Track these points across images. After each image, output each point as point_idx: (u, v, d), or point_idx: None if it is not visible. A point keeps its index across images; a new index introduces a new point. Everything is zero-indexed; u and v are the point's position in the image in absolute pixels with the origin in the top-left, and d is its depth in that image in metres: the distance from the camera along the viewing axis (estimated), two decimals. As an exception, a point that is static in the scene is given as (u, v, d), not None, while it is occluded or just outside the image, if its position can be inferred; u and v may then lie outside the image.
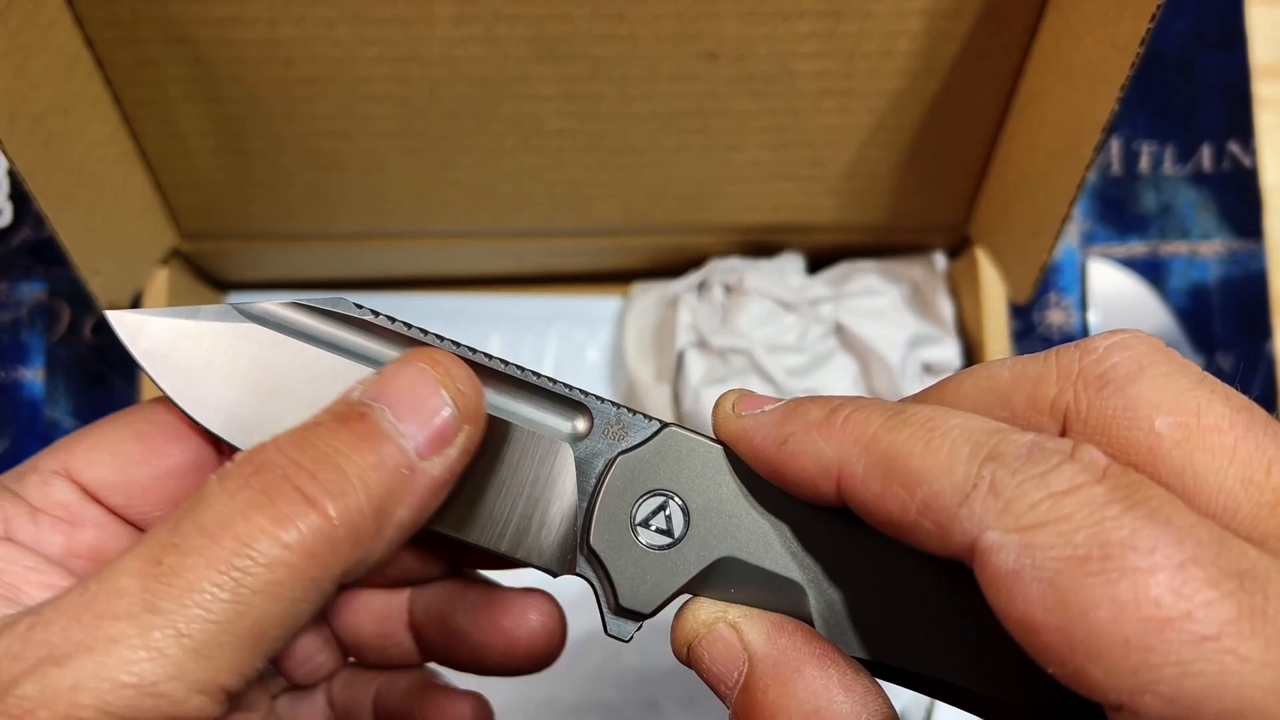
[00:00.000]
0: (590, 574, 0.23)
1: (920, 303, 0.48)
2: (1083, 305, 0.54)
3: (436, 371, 0.21)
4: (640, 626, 0.23)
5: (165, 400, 0.24)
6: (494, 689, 0.47)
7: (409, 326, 0.23)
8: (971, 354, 0.47)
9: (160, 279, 0.46)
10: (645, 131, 0.42)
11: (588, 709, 0.47)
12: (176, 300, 0.46)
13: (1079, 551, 0.16)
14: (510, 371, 0.23)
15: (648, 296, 0.50)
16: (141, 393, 0.45)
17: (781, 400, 0.22)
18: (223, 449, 0.25)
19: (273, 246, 0.47)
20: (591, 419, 0.23)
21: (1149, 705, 0.16)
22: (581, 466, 0.23)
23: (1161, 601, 0.16)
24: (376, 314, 0.23)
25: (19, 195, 0.54)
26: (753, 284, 0.47)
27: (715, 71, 0.39)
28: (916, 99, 0.41)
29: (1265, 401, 0.53)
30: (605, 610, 0.22)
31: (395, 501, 0.20)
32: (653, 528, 0.22)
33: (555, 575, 0.23)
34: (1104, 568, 0.16)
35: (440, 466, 0.21)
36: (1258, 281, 0.54)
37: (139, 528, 0.24)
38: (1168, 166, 0.55)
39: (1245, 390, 0.57)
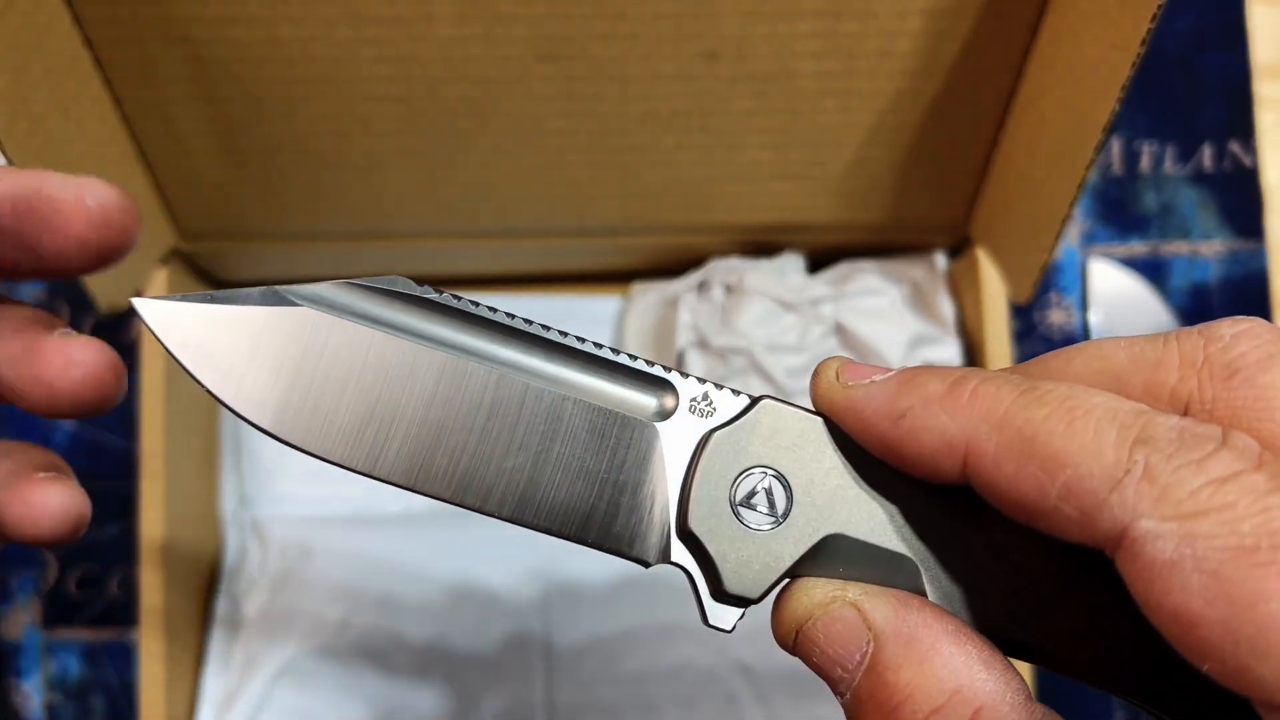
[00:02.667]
0: (688, 560, 0.21)
1: (921, 303, 0.48)
2: (1083, 305, 0.54)
3: None
4: (743, 615, 0.21)
5: None
6: (493, 689, 0.47)
7: (475, 304, 0.22)
8: (972, 354, 0.47)
9: (159, 279, 0.46)
10: (645, 131, 0.42)
11: (587, 709, 0.47)
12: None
13: (1246, 541, 0.16)
14: (588, 349, 0.22)
15: (648, 296, 0.50)
16: (142, 393, 0.45)
17: (891, 370, 0.21)
18: None
19: (272, 246, 0.47)
20: (677, 396, 0.22)
21: None
22: (671, 446, 0.21)
23: None
24: (440, 291, 0.22)
25: (18, 195, 0.54)
26: (753, 284, 0.47)
27: (715, 71, 0.39)
28: (917, 99, 0.41)
29: (1266, 401, 0.53)
30: (705, 598, 0.21)
31: None
32: (754, 507, 0.21)
33: (648, 565, 0.21)
34: (1275, 558, 0.15)
35: None
36: (1258, 281, 0.54)
37: None
38: (1168, 166, 0.55)
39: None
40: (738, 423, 0.21)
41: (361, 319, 0.22)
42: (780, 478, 0.21)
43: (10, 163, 0.35)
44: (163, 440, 0.45)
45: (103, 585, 0.52)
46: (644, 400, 0.22)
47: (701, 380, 0.22)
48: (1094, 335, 0.53)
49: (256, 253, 0.48)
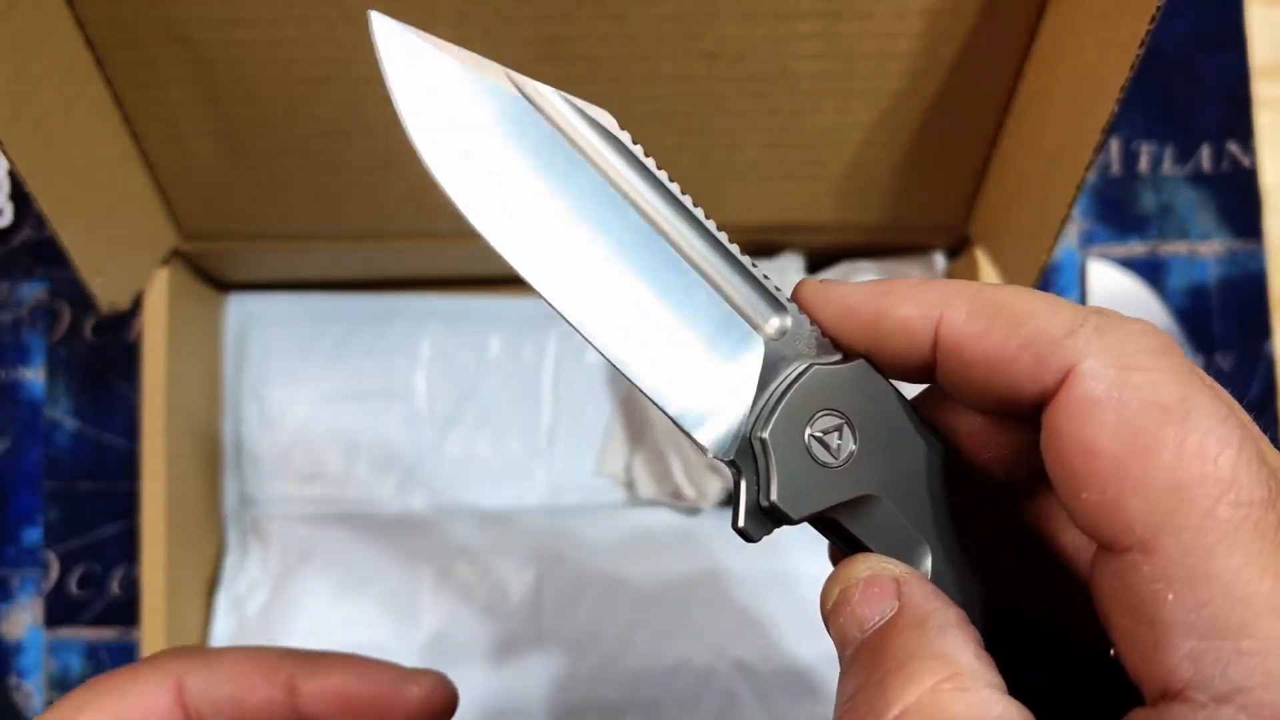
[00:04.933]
0: (748, 463, 0.22)
1: (920, 303, 0.48)
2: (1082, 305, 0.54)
3: None
4: (771, 531, 0.22)
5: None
6: (493, 689, 0.47)
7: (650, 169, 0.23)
8: (971, 354, 0.47)
9: (161, 279, 0.46)
10: (645, 131, 0.42)
11: (588, 709, 0.47)
12: (178, 301, 0.46)
13: (1164, 401, 0.18)
14: (731, 248, 0.23)
15: (648, 296, 0.50)
16: (143, 393, 0.45)
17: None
18: None
19: (273, 246, 0.47)
20: (789, 326, 0.23)
21: (1167, 546, 0.17)
22: (773, 363, 0.23)
23: (1221, 465, 0.17)
24: (635, 143, 0.23)
25: (19, 195, 0.54)
26: (753, 284, 0.48)
27: (715, 72, 0.39)
28: (916, 99, 0.41)
29: (1264, 402, 0.53)
30: (746, 504, 0.22)
31: None
32: (825, 443, 0.22)
33: (706, 453, 0.22)
34: (1183, 421, 0.18)
35: None
36: (1257, 281, 0.54)
37: None
38: (1167, 167, 0.55)
39: (1244, 391, 0.57)
40: (838, 368, 0.23)
41: (574, 146, 0.22)
42: (855, 430, 0.23)
43: (11, 163, 0.35)
44: (164, 440, 0.45)
45: (104, 585, 0.52)
46: (767, 314, 0.23)
47: (815, 326, 0.23)
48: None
49: (257, 253, 0.48)
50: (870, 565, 0.22)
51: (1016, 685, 0.20)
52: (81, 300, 0.53)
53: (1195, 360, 0.53)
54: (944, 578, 0.23)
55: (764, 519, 0.22)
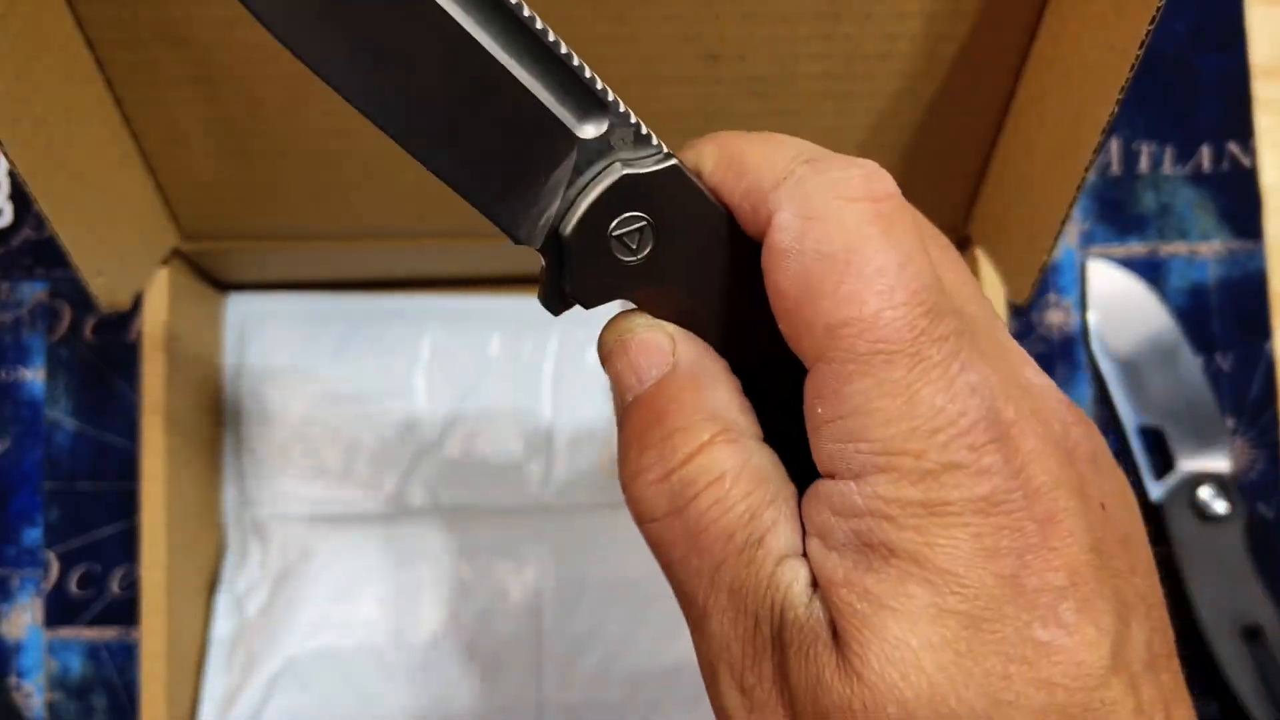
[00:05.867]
0: (554, 252, 0.24)
1: (920, 303, 0.48)
2: (1082, 306, 0.54)
3: None
4: (571, 307, 0.24)
5: None
6: (493, 689, 0.47)
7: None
8: (971, 354, 0.47)
9: (161, 279, 0.46)
10: (645, 132, 0.42)
11: (589, 708, 0.47)
12: (178, 301, 0.46)
13: (831, 251, 0.21)
14: (558, 49, 0.23)
15: (648, 297, 0.50)
16: (143, 393, 0.45)
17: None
18: None
19: (273, 246, 0.47)
20: (610, 121, 0.23)
21: (821, 372, 0.21)
22: (582, 161, 0.23)
23: (866, 308, 0.21)
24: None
25: (19, 195, 0.54)
26: (753, 284, 0.48)
27: (716, 73, 0.39)
28: (916, 100, 0.41)
29: (1264, 402, 0.53)
30: (548, 289, 0.24)
31: None
32: (625, 242, 0.24)
33: (518, 241, 0.24)
34: (843, 270, 0.21)
35: None
36: (1257, 281, 0.54)
37: None
38: (1167, 167, 0.55)
39: (1244, 391, 0.57)
40: (644, 171, 0.24)
41: None
42: (655, 228, 0.24)
43: (11, 163, 0.35)
44: (164, 439, 0.45)
45: (104, 584, 0.52)
46: (583, 117, 0.23)
47: (637, 122, 0.24)
48: (1092, 336, 0.53)
49: (257, 253, 0.48)
50: (643, 321, 0.25)
51: (768, 423, 0.24)
52: (82, 300, 0.53)
53: (1195, 360, 0.53)
54: (712, 335, 0.25)
55: (564, 300, 0.24)
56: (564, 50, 0.23)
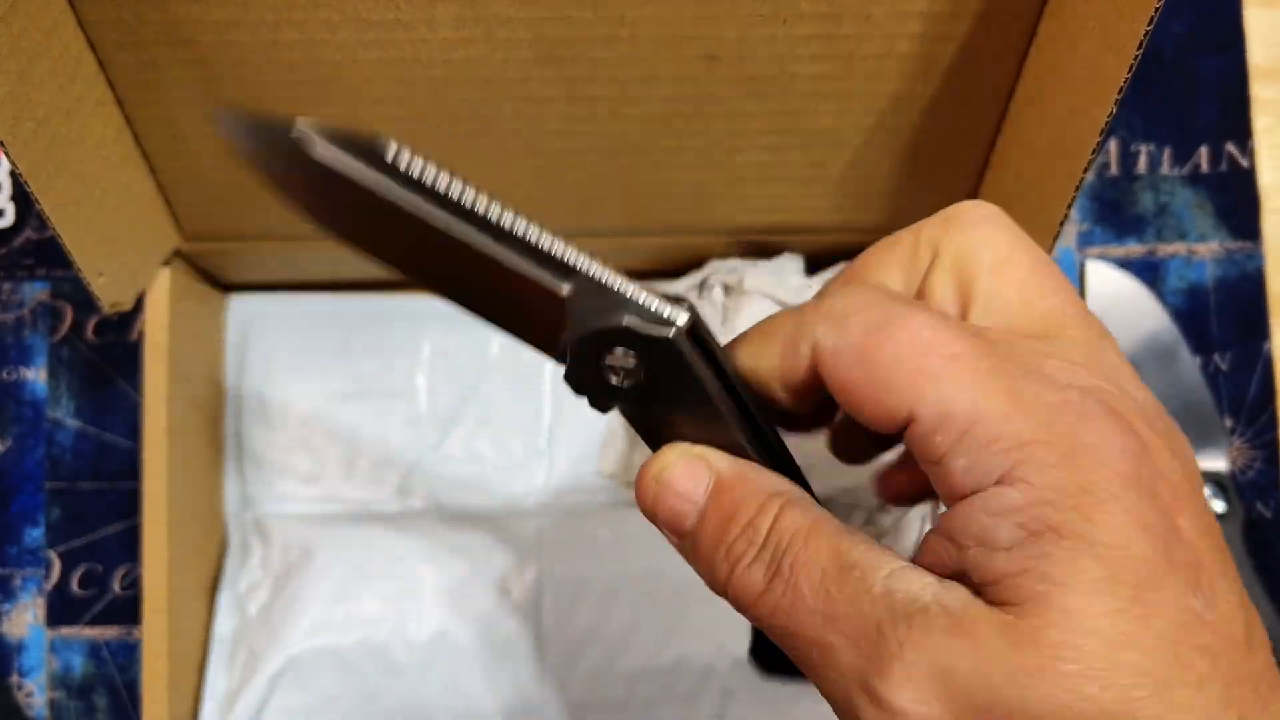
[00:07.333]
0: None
1: (919, 303, 0.48)
2: (1081, 305, 0.54)
3: None
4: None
5: None
6: (493, 688, 0.47)
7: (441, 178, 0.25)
8: (970, 354, 0.47)
9: (162, 279, 0.46)
10: (646, 133, 0.42)
11: (589, 707, 0.47)
12: (179, 302, 0.46)
13: (874, 323, 0.24)
14: (522, 229, 0.25)
15: (648, 297, 0.50)
16: (144, 393, 0.45)
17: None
18: None
19: (274, 247, 0.47)
20: (574, 289, 0.25)
21: (921, 412, 0.23)
22: (574, 307, 0.26)
23: (921, 340, 0.23)
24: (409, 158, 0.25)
25: (21, 196, 0.54)
26: (752, 284, 0.48)
27: (715, 74, 0.39)
28: (915, 101, 0.41)
29: (1263, 402, 0.53)
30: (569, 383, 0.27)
31: None
32: (616, 370, 0.26)
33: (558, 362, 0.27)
34: (888, 330, 0.23)
35: None
36: (1255, 282, 0.54)
37: None
38: (1165, 167, 0.55)
39: (1243, 391, 0.57)
40: (623, 329, 0.26)
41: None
42: (643, 367, 0.26)
43: (13, 164, 0.35)
44: (165, 439, 0.45)
45: (106, 584, 0.52)
46: (556, 282, 0.26)
47: (605, 280, 0.25)
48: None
49: (258, 254, 0.48)
50: (675, 453, 0.26)
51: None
52: (83, 300, 0.53)
53: (1194, 361, 0.53)
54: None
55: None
56: (534, 234, 0.25)
